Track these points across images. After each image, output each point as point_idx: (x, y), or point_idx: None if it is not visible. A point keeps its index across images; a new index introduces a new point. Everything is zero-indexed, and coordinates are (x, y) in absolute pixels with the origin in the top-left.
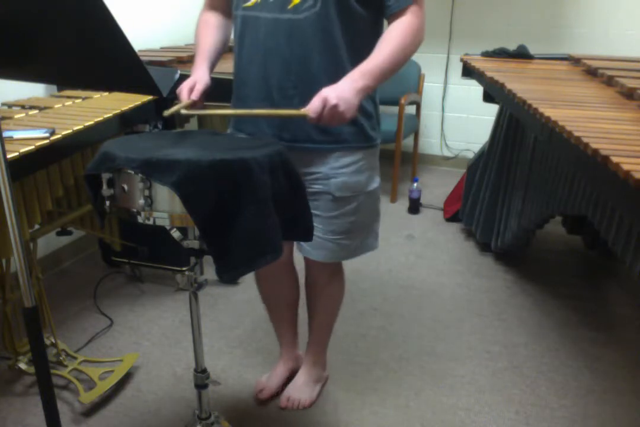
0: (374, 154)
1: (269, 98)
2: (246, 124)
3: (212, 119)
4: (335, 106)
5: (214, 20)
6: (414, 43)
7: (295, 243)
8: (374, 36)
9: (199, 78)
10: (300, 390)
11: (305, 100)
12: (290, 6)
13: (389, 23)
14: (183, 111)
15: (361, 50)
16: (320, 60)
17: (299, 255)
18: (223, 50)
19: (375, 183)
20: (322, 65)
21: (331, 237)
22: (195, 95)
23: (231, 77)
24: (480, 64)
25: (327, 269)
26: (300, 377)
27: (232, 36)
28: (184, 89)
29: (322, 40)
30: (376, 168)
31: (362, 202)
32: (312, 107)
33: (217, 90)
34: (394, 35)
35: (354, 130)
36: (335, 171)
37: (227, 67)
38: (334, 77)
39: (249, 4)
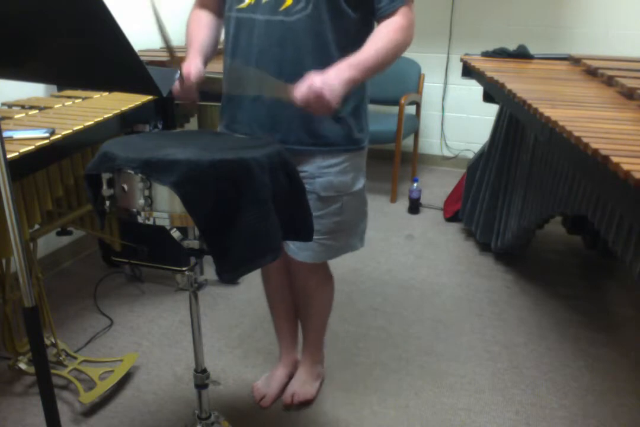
0: (360, 156)
1: (260, 99)
2: (238, 124)
3: (212, 120)
4: (320, 89)
5: (205, 19)
6: (404, 42)
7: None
8: (365, 37)
9: (193, 66)
10: (303, 386)
11: None
12: (282, 8)
13: (379, 24)
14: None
15: (353, 51)
16: (312, 62)
17: None
18: (215, 49)
19: (360, 184)
20: (313, 67)
21: (315, 237)
22: (190, 91)
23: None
24: (480, 64)
25: (314, 272)
26: (300, 375)
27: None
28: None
29: (313, 42)
30: (362, 169)
31: (346, 202)
32: (299, 90)
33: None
34: (383, 33)
35: (341, 133)
36: (321, 171)
37: (219, 67)
38: None
39: (242, 5)
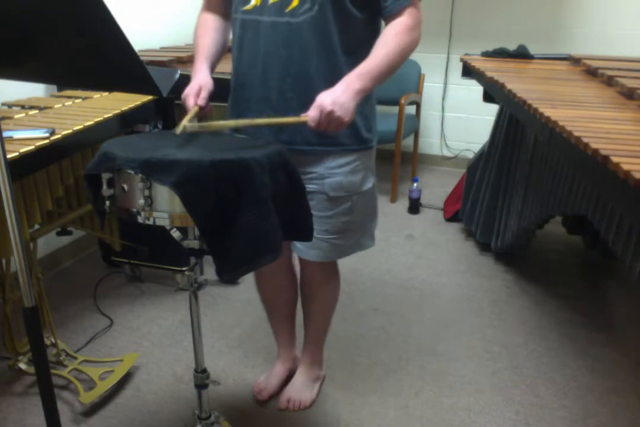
0: (369, 155)
1: (267, 100)
2: None
3: (213, 119)
4: (331, 112)
5: (212, 22)
6: (411, 44)
7: (290, 242)
8: (370, 38)
9: (203, 83)
10: (300, 390)
11: (303, 102)
12: (288, 9)
13: (386, 24)
14: (188, 127)
15: (358, 52)
16: (318, 63)
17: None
18: (222, 52)
19: (370, 183)
20: (319, 67)
21: (325, 236)
22: (202, 102)
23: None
24: (480, 64)
25: (322, 270)
26: (299, 378)
27: (230, 38)
28: (190, 96)
29: (319, 43)
30: (371, 168)
31: (356, 202)
32: (310, 115)
33: (217, 91)
34: (390, 37)
35: (349, 132)
36: (330, 171)
37: (228, 67)
38: (332, 79)
39: (248, 7)
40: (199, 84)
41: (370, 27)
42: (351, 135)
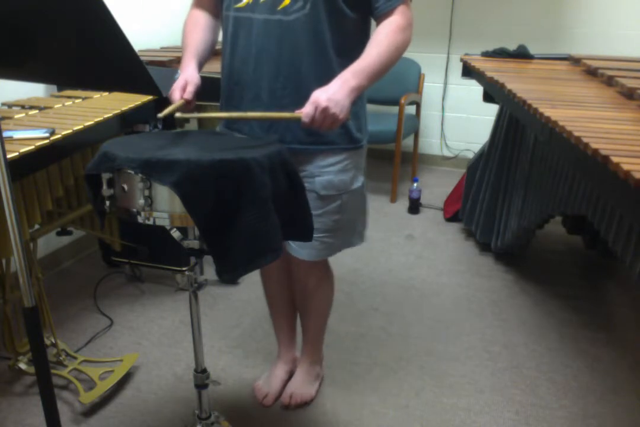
0: (359, 154)
1: (258, 99)
2: (238, 123)
3: (212, 120)
4: (326, 109)
5: (203, 20)
6: (404, 43)
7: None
8: (362, 37)
9: (189, 78)
10: (302, 386)
11: (294, 100)
12: (280, 7)
13: (378, 24)
14: (177, 115)
15: (350, 51)
16: (310, 62)
17: None
18: (211, 51)
19: (359, 182)
20: (311, 66)
21: (316, 235)
22: (188, 96)
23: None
24: (480, 64)
25: (315, 269)
26: (299, 375)
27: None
28: (175, 90)
29: (311, 42)
30: (361, 167)
31: (346, 200)
32: (305, 111)
33: (207, 90)
34: (383, 36)
35: (340, 131)
36: (321, 170)
37: (218, 66)
38: (323, 78)
39: (240, 4)
40: (185, 79)
41: (362, 28)
42: (342, 134)
